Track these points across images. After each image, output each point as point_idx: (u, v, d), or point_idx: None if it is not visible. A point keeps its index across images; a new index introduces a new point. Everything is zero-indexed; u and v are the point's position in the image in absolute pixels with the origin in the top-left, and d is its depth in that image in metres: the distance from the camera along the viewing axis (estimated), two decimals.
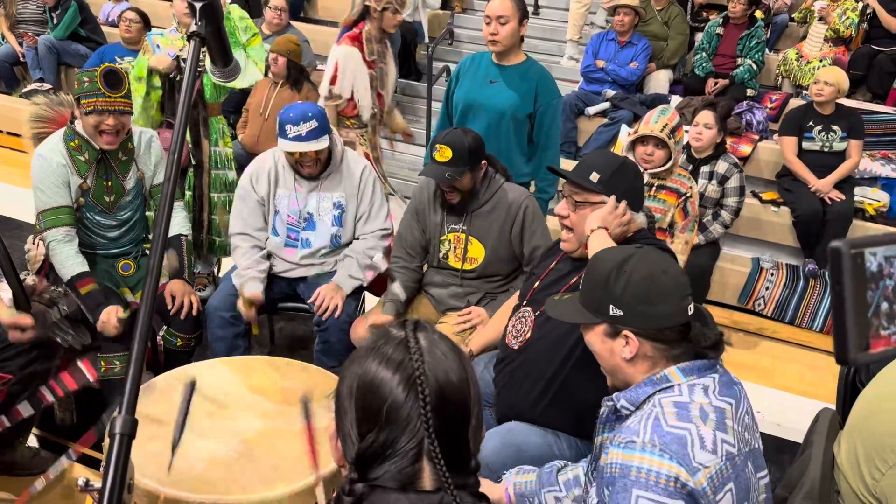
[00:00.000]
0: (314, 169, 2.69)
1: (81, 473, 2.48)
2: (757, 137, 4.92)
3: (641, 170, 3.17)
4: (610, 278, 1.40)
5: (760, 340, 4.01)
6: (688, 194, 3.17)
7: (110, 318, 2.44)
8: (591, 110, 5.24)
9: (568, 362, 1.88)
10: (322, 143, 2.60)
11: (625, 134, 4.73)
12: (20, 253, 3.50)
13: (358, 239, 2.82)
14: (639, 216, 1.96)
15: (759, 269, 4.26)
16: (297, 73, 4.67)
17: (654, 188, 3.20)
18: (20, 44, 6.16)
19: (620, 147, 4.66)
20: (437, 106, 4.79)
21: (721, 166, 3.79)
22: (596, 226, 1.85)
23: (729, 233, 4.12)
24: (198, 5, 1.00)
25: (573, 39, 6.06)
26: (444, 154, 2.39)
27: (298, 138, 2.58)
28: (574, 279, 1.98)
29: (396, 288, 2.66)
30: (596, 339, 1.45)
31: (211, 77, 1.11)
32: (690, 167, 3.78)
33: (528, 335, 2.00)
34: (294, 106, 2.65)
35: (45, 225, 2.51)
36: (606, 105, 5.21)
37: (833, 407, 1.97)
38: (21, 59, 6.19)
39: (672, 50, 5.47)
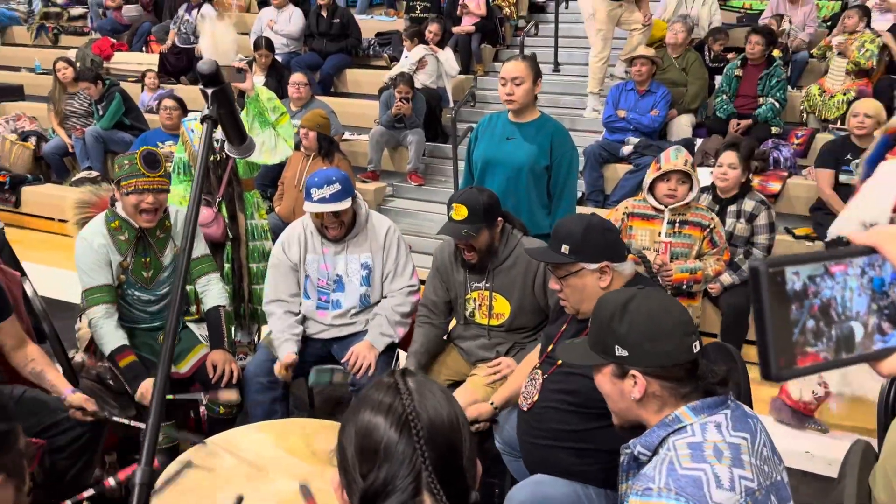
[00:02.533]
0: (339, 231, 2.79)
1: None
2: (786, 174, 4.90)
3: (664, 206, 3.21)
4: (614, 318, 1.43)
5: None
6: (711, 225, 3.19)
7: (148, 390, 2.52)
8: (625, 150, 5.31)
9: (585, 415, 1.90)
10: (345, 205, 2.71)
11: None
12: (71, 332, 3.67)
13: (386, 297, 2.89)
14: (625, 266, 2.00)
15: None
16: (328, 144, 4.87)
17: (676, 224, 3.23)
18: (69, 136, 6.55)
19: (643, 189, 4.69)
20: (462, 165, 4.92)
21: (748, 204, 3.79)
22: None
23: None
24: (209, 91, 1.10)
25: (594, 92, 6.19)
26: (460, 213, 2.46)
27: (322, 200, 2.69)
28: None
29: (418, 342, 2.71)
30: (605, 380, 1.46)
31: (228, 153, 1.21)
32: (717, 207, 3.79)
33: (535, 398, 2.04)
34: (320, 171, 2.78)
35: (87, 303, 2.64)
36: (635, 142, 5.30)
37: (869, 439, 1.92)
38: (70, 150, 6.58)
39: (692, 95, 5.54)
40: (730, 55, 5.98)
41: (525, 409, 2.07)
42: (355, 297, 2.87)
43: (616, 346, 1.41)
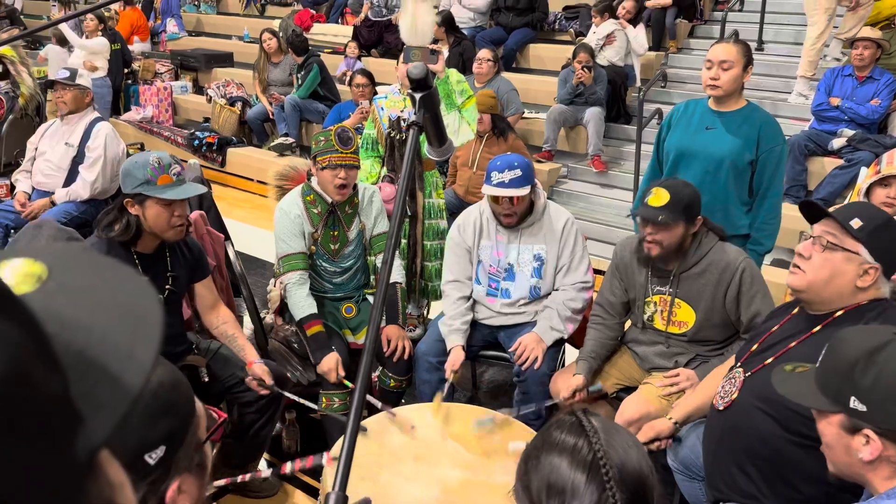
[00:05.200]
0: (512, 219, 2.75)
1: (299, 500, 2.72)
2: None
3: None
4: (857, 367, 1.24)
5: None
6: None
7: (332, 369, 2.65)
8: (836, 143, 4.78)
9: (786, 438, 1.71)
10: (523, 191, 2.66)
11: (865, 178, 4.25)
12: (261, 290, 3.98)
13: (558, 290, 2.82)
14: (887, 284, 1.74)
15: None
16: (502, 123, 4.85)
17: None
18: (270, 103, 7.06)
19: (858, 193, 4.19)
20: (646, 149, 4.68)
21: None
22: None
23: None
24: (418, 96, 1.08)
25: (805, 76, 5.60)
26: (661, 198, 2.28)
27: (501, 184, 2.66)
28: (793, 343, 1.80)
29: (589, 346, 2.61)
30: (830, 430, 1.29)
31: (426, 152, 1.20)
32: None
33: (735, 396, 1.86)
34: (503, 156, 2.76)
35: (283, 269, 2.82)
36: (850, 135, 4.73)
37: None
38: (270, 116, 7.09)
39: None
40: None
41: (721, 408, 1.89)
42: (525, 287, 2.83)
43: (852, 398, 1.23)
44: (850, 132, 4.72)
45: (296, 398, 2.53)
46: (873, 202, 2.85)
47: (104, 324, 0.39)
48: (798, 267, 1.78)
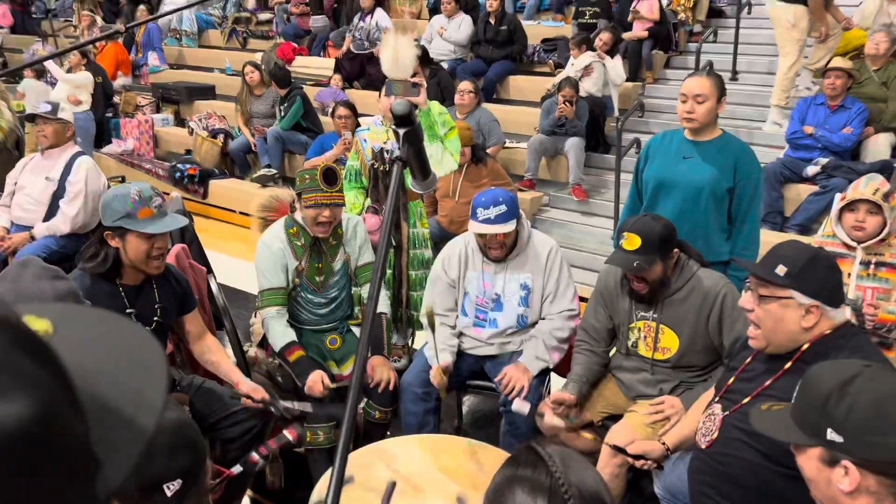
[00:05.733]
0: (500, 252, 2.77)
1: None
2: None
3: (855, 244, 2.88)
4: (830, 400, 1.26)
5: None
6: None
7: (317, 382, 2.65)
8: (811, 170, 4.88)
9: (772, 469, 1.72)
10: (509, 227, 2.69)
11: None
12: (244, 322, 3.95)
13: (544, 319, 2.83)
14: (837, 313, 1.78)
15: None
16: (480, 152, 4.92)
17: (871, 266, 2.88)
18: (252, 135, 7.07)
19: (832, 219, 4.27)
20: (625, 178, 4.74)
21: None
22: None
23: None
24: (401, 132, 1.10)
25: (778, 105, 5.73)
26: (633, 242, 2.33)
27: (487, 221, 2.68)
28: (768, 381, 1.83)
29: (578, 370, 2.62)
30: (810, 464, 1.30)
31: (410, 185, 1.22)
32: None
33: (715, 435, 1.88)
34: (488, 192, 2.78)
35: (262, 303, 2.82)
36: (823, 162, 4.84)
37: None
38: (253, 148, 7.11)
39: (893, 112, 4.97)
40: None
41: (703, 446, 1.91)
42: (513, 317, 2.84)
43: (829, 430, 1.25)
44: (824, 160, 4.82)
45: (290, 404, 2.54)
46: (844, 226, 2.92)
47: (113, 371, 0.40)
48: (755, 324, 1.83)
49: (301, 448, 2.72)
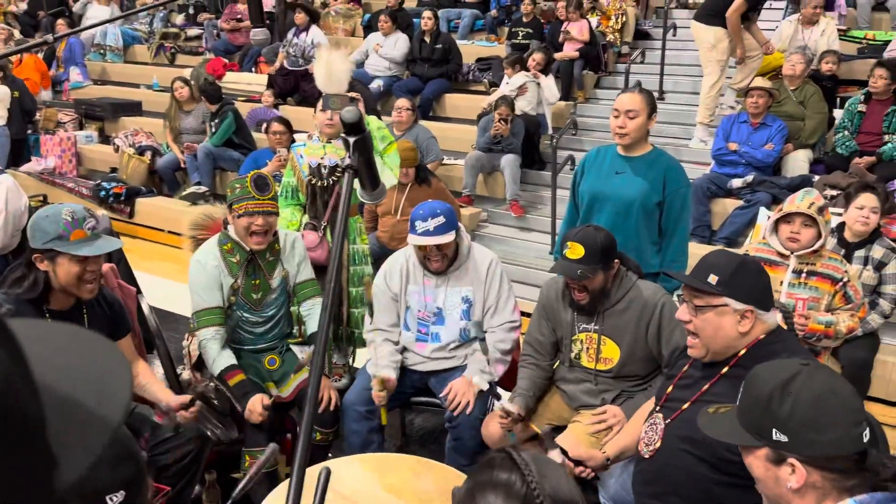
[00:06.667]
0: (441, 264, 2.76)
1: None
2: None
3: (788, 252, 3.00)
4: (773, 400, 1.29)
5: None
6: (844, 279, 2.94)
7: (255, 406, 2.56)
8: (735, 183, 5.08)
9: (714, 479, 1.75)
10: (448, 238, 2.68)
11: (764, 217, 4.52)
12: (176, 345, 3.80)
13: (486, 332, 2.83)
14: (769, 316, 1.84)
15: None
16: (423, 172, 4.90)
17: (803, 275, 3.00)
18: (182, 152, 6.87)
19: (759, 231, 4.45)
20: (561, 193, 4.81)
21: (877, 251, 3.51)
22: None
23: (889, 322, 3.76)
24: (351, 140, 1.07)
25: (704, 122, 5.96)
26: (576, 252, 2.37)
27: (426, 233, 2.67)
28: (706, 386, 1.87)
29: (524, 384, 2.62)
30: (758, 464, 1.33)
31: (358, 196, 1.19)
32: (843, 252, 3.53)
33: (658, 444, 1.91)
34: (426, 204, 2.77)
35: (198, 325, 2.71)
36: (749, 179, 5.04)
37: None
38: (182, 165, 6.89)
39: (810, 129, 5.24)
40: (850, 89, 5.63)
41: (647, 456, 1.93)
42: (455, 330, 2.82)
43: (774, 430, 1.28)
44: (749, 177, 5.03)
45: (218, 431, 2.46)
46: (780, 237, 3.03)
47: (75, 367, 0.38)
48: (692, 334, 1.88)
49: (239, 472, 2.62)
